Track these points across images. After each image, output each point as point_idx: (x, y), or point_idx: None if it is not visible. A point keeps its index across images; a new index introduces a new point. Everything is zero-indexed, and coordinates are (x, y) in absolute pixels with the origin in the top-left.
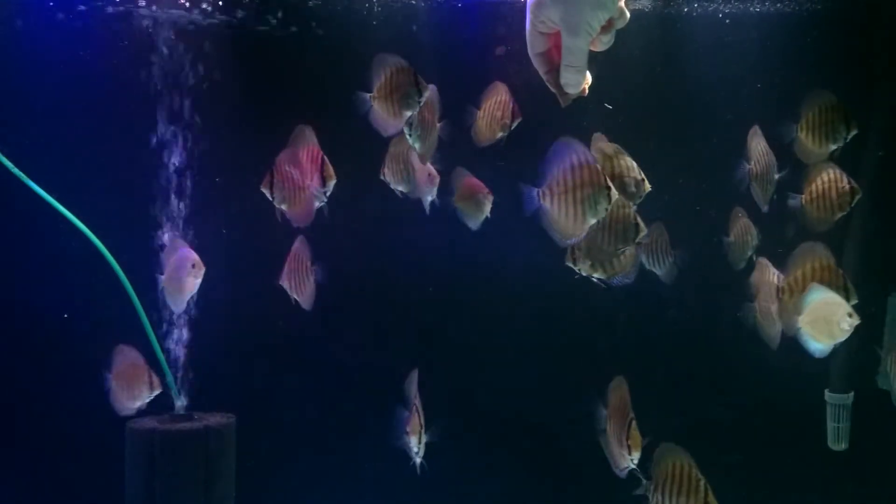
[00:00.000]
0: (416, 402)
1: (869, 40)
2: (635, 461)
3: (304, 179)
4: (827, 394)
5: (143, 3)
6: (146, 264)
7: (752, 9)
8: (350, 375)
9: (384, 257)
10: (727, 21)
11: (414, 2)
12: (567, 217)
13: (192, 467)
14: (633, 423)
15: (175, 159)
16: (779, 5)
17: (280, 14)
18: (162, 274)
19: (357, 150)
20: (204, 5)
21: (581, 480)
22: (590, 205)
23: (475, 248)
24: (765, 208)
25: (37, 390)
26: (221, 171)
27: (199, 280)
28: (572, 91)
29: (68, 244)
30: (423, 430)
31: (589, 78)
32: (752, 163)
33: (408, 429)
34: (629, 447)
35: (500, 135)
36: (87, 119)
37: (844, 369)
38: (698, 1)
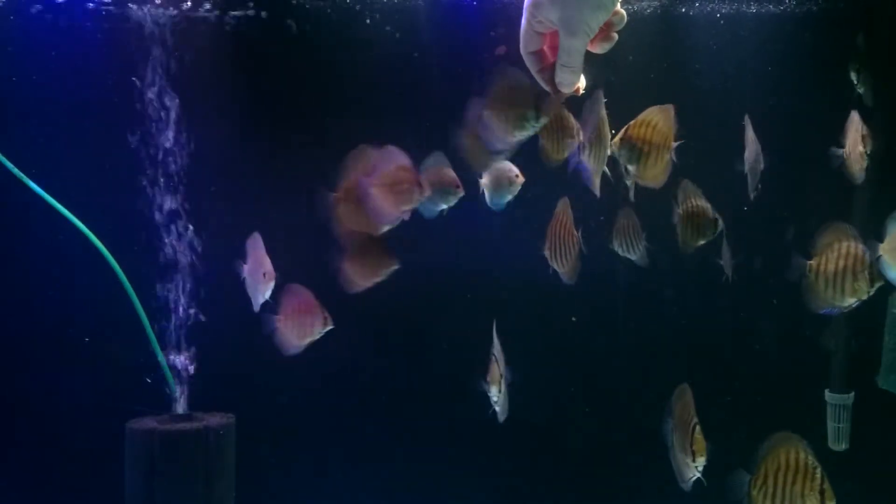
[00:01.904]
0: (496, 351)
1: (869, 40)
2: (700, 468)
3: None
4: (827, 394)
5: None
6: (146, 264)
7: (749, 9)
8: (350, 375)
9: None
10: (722, 21)
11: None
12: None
13: (192, 467)
14: (698, 427)
15: (175, 159)
16: (776, 6)
17: (267, 10)
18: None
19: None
20: (206, 4)
21: (581, 481)
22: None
23: (474, 249)
24: (752, 195)
25: (37, 390)
26: (221, 172)
27: (269, 289)
28: (566, 90)
29: (68, 244)
30: (502, 379)
31: (583, 79)
32: (746, 152)
33: (487, 378)
34: (693, 453)
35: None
36: (84, 118)
37: (844, 369)
38: (698, 1)
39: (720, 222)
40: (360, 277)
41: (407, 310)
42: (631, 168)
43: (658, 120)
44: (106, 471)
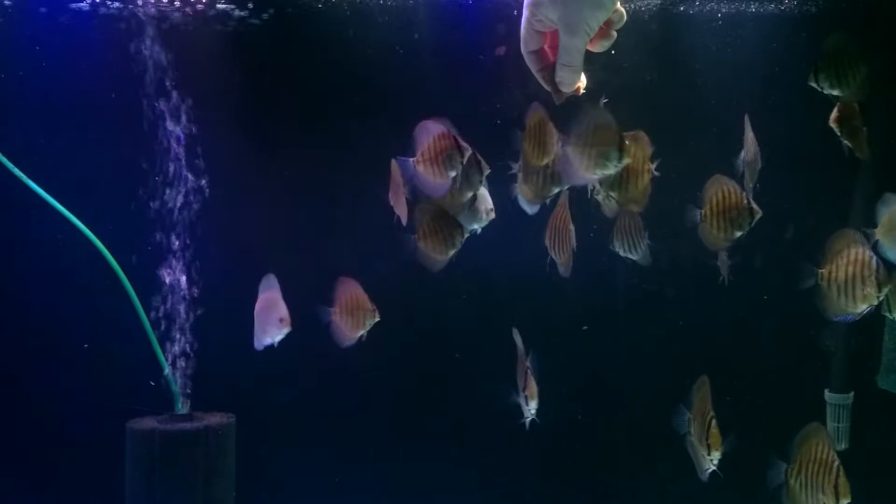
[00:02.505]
0: (528, 365)
1: (868, 40)
2: (715, 462)
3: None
4: (827, 394)
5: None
6: (146, 264)
7: (749, 9)
8: (350, 375)
9: (384, 258)
10: (721, 21)
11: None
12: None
13: (192, 467)
14: (714, 421)
15: (174, 158)
16: (775, 6)
17: (270, 10)
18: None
19: (358, 151)
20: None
21: (582, 483)
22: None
23: (474, 249)
24: (750, 195)
25: (37, 390)
26: (222, 170)
27: (281, 335)
28: (566, 90)
29: (68, 244)
30: (537, 393)
31: (583, 78)
32: (743, 151)
33: (525, 391)
34: (708, 446)
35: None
36: (82, 118)
37: (844, 369)
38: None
39: (756, 211)
40: (436, 251)
41: (406, 309)
42: (613, 194)
43: (631, 146)
44: (106, 471)
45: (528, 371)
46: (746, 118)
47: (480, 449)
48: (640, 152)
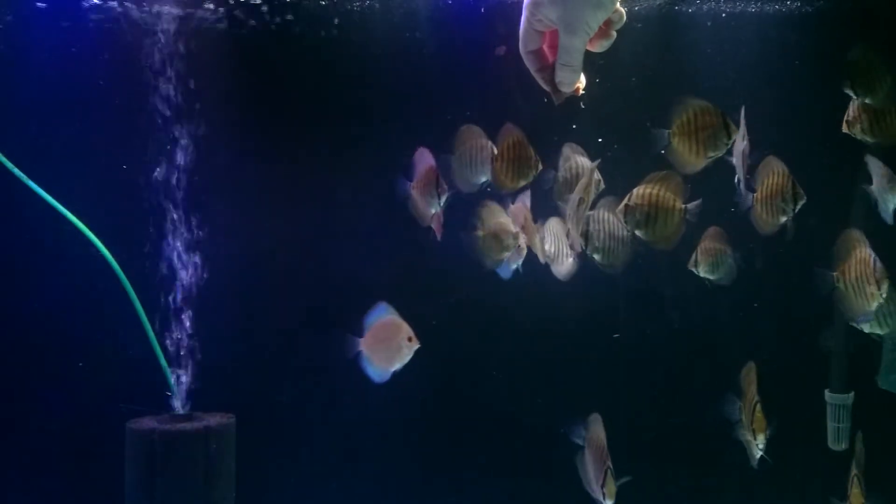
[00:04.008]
0: (607, 460)
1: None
2: (761, 446)
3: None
4: (827, 394)
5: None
6: (146, 264)
7: (749, 9)
8: (350, 375)
9: (384, 258)
10: (727, 19)
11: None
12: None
13: (192, 467)
14: (759, 406)
15: (175, 158)
16: (776, 5)
17: (272, 10)
18: (360, 336)
19: (361, 151)
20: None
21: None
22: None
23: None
24: (742, 188)
25: (37, 390)
26: (221, 171)
27: (410, 356)
28: (566, 90)
29: (68, 244)
30: (614, 480)
31: (583, 78)
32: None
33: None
34: (754, 431)
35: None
36: (82, 118)
37: (844, 369)
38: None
39: (801, 195)
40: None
41: (406, 309)
42: (639, 233)
43: (663, 183)
44: (106, 471)
45: (608, 469)
46: (743, 110)
47: (482, 449)
48: (670, 192)
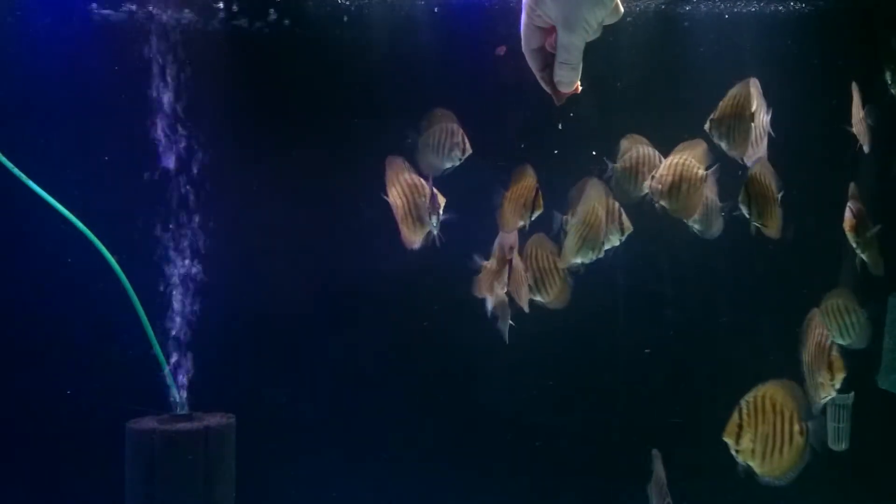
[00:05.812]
0: (667, 497)
1: (868, 40)
2: (837, 386)
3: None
4: None
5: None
6: (145, 264)
7: (749, 9)
8: (350, 375)
9: (384, 259)
10: (728, 18)
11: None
12: None
13: (192, 467)
14: (836, 346)
15: (174, 158)
16: (775, 6)
17: (272, 12)
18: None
19: (357, 154)
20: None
21: (581, 484)
22: None
23: (472, 250)
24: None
25: (37, 390)
26: (223, 170)
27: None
28: (566, 89)
29: (68, 244)
30: None
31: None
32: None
33: None
34: (832, 371)
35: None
36: (84, 119)
37: None
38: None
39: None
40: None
41: (406, 309)
42: (663, 203)
43: (689, 154)
44: (106, 471)
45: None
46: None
47: (482, 449)
48: (693, 161)
